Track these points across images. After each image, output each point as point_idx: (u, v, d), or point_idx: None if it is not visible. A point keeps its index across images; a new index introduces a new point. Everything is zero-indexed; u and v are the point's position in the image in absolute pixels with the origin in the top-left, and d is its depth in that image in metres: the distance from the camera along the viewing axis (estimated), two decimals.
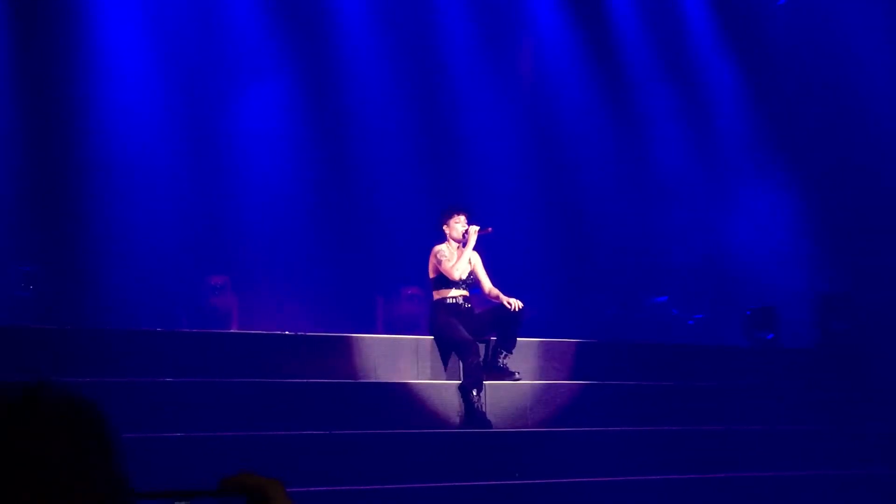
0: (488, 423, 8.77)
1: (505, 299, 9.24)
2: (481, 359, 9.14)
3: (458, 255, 9.20)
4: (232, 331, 10.57)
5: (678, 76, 14.06)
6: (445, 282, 9.24)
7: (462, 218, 9.29)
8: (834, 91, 13.06)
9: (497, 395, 9.02)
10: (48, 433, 0.81)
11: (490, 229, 9.28)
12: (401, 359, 9.23)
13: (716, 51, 14.05)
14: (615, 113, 13.96)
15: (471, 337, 9.07)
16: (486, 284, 9.43)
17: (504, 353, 9.22)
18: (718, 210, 13.95)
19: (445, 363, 9.28)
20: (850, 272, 12.40)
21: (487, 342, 9.33)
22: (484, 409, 8.81)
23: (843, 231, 12.69)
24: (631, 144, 13.99)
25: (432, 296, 9.43)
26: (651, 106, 14.05)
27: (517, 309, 9.17)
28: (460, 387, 8.92)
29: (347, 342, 9.19)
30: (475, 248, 9.35)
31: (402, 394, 8.78)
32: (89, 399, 0.85)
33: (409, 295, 11.86)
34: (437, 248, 9.31)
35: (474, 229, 9.19)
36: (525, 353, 9.55)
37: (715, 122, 14.18)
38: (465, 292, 9.32)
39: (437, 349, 9.31)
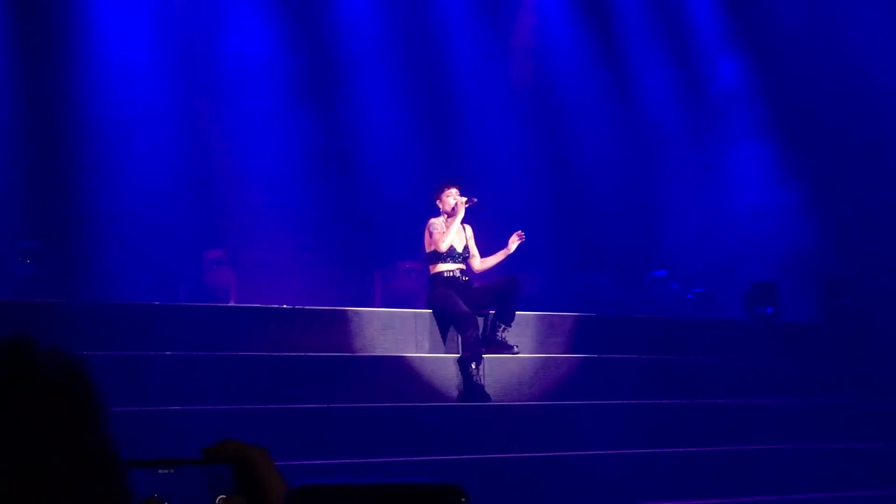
0: (487, 397, 8.78)
1: (501, 255, 9.25)
2: (480, 332, 9.13)
3: (447, 227, 9.20)
4: (230, 304, 10.55)
5: (680, 53, 14.01)
6: (440, 255, 9.23)
7: (453, 191, 9.27)
8: (840, 69, 13.01)
9: (496, 369, 9.02)
10: (27, 389, 0.78)
11: (475, 200, 9.26)
12: (399, 332, 9.22)
13: (720, 30, 14.00)
14: (616, 89, 13.91)
15: (469, 310, 9.06)
16: (476, 261, 9.41)
17: (503, 326, 9.22)
18: (718, 184, 13.92)
19: (444, 337, 9.28)
20: (853, 248, 12.38)
21: (486, 316, 9.32)
22: (483, 383, 8.81)
23: (848, 207, 12.66)
24: (631, 119, 13.94)
25: (429, 270, 9.42)
26: (651, 83, 14.00)
27: (520, 239, 9.15)
28: (459, 360, 8.92)
29: (346, 316, 9.17)
30: (467, 221, 9.34)
31: (400, 367, 8.78)
32: (73, 355, 0.83)
33: (407, 269, 11.84)
34: (431, 221, 9.31)
35: (461, 200, 9.18)
36: (524, 326, 9.55)
37: (717, 97, 14.14)
38: (462, 265, 9.31)
39: (435, 323, 9.30)
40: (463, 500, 0.83)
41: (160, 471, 0.98)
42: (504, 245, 9.39)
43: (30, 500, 0.75)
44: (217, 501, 0.97)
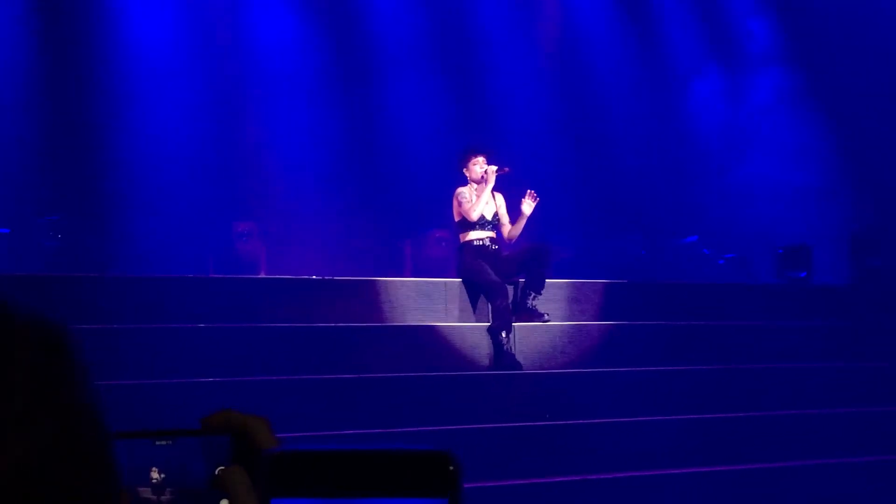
0: (518, 365, 8.77)
1: (521, 221, 9.16)
2: (510, 301, 9.11)
3: (478, 196, 9.15)
4: (260, 276, 10.58)
5: (711, 16, 13.85)
6: (469, 224, 9.20)
7: (480, 159, 9.22)
8: (869, 29, 12.81)
9: (526, 337, 9.01)
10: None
11: (507, 169, 9.21)
12: (429, 302, 9.21)
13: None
14: (645, 55, 13.79)
15: (499, 279, 9.04)
16: (506, 227, 9.37)
17: (533, 294, 9.19)
18: (750, 149, 13.79)
19: (474, 305, 9.27)
20: (883, 209, 12.24)
21: (516, 284, 9.29)
22: (513, 351, 8.80)
23: (877, 168, 12.51)
24: (662, 86, 13.82)
25: (459, 239, 9.39)
26: (681, 51, 13.87)
27: (533, 199, 9.10)
28: (489, 329, 8.91)
29: (376, 286, 9.17)
30: (498, 189, 9.30)
31: (431, 337, 8.78)
32: (54, 320, 0.80)
33: (437, 238, 11.82)
34: (459, 190, 9.26)
35: (492, 169, 9.12)
36: (554, 294, 9.51)
37: (746, 64, 13.99)
38: (492, 233, 9.27)
39: (465, 292, 9.28)
40: (451, 468, 0.80)
41: (157, 442, 0.96)
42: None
43: None
44: (216, 472, 0.95)
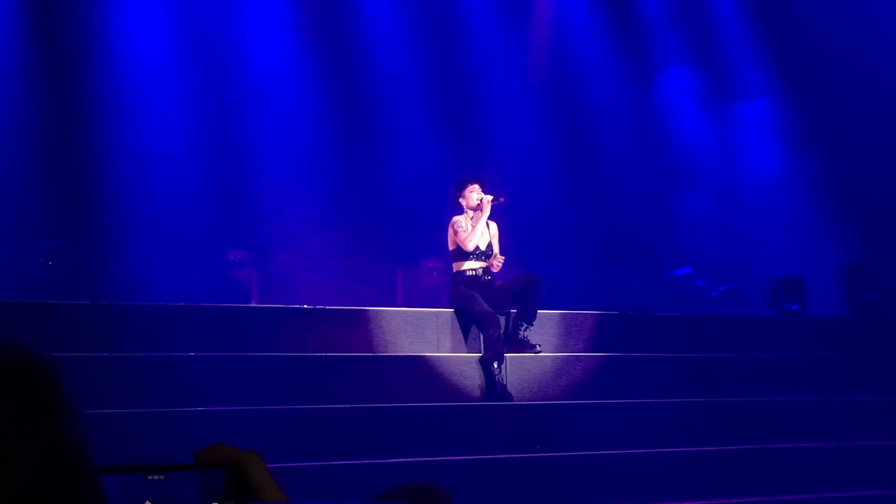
0: (509, 396, 8.74)
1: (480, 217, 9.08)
2: (502, 331, 9.09)
3: (473, 225, 9.15)
4: (251, 305, 10.55)
5: (702, 52, 13.92)
6: (464, 253, 9.19)
7: (476, 187, 9.24)
8: (859, 57, 12.88)
9: (518, 368, 8.98)
10: None
11: (503, 199, 9.22)
12: (421, 332, 9.19)
13: (739, 23, 13.90)
14: (637, 86, 13.83)
15: (491, 309, 9.02)
16: (496, 259, 9.35)
17: (525, 325, 9.17)
18: (741, 180, 13.83)
19: (466, 336, 9.24)
20: (876, 240, 12.26)
21: (508, 314, 9.28)
22: (505, 382, 8.77)
23: (869, 198, 12.53)
24: (655, 116, 13.87)
25: (452, 268, 9.38)
26: (672, 81, 13.93)
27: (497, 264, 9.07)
28: (481, 359, 8.88)
29: (367, 315, 9.15)
30: (493, 219, 9.30)
31: (422, 367, 8.75)
32: (41, 354, 0.79)
33: (428, 268, 11.81)
34: (455, 218, 9.27)
35: (488, 199, 9.14)
36: (546, 325, 9.50)
37: (736, 91, 14.04)
38: (485, 264, 9.27)
39: (457, 322, 9.26)
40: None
41: (150, 476, 0.95)
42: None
43: None
44: None
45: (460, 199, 9.30)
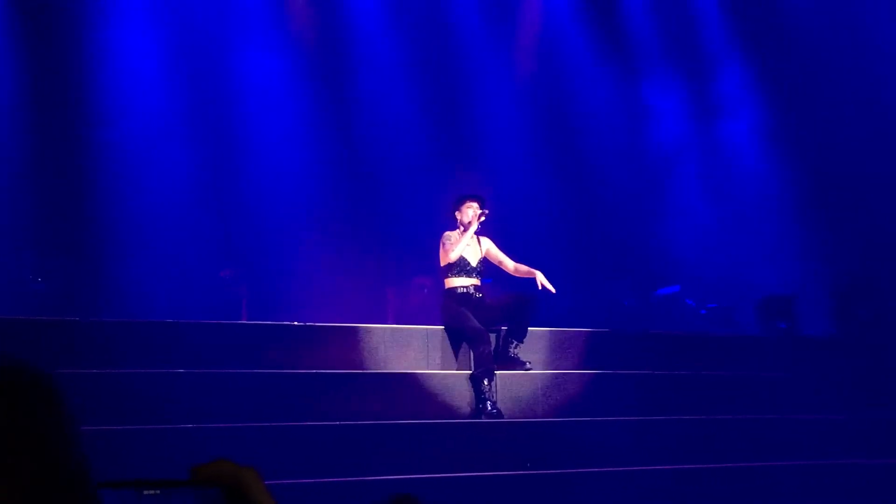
0: (499, 413, 8.73)
1: (529, 273, 9.23)
2: (492, 348, 9.10)
3: (459, 240, 9.20)
4: (242, 322, 10.53)
5: (689, 64, 13.97)
6: (454, 269, 9.21)
7: (474, 204, 9.28)
8: (849, 72, 12.95)
9: (508, 385, 8.98)
10: None
11: (486, 211, 9.25)
12: (411, 349, 9.19)
13: (726, 36, 13.95)
14: (628, 101, 13.88)
15: (482, 326, 9.03)
16: (510, 264, 9.42)
17: (515, 342, 9.18)
18: (732, 197, 13.87)
19: (456, 353, 9.24)
20: (869, 258, 12.29)
21: (498, 332, 9.28)
22: (495, 399, 8.77)
23: (861, 216, 12.58)
24: (645, 134, 13.91)
25: (443, 285, 9.39)
26: (661, 96, 13.97)
27: (541, 287, 9.16)
28: (471, 377, 8.88)
29: (357, 332, 9.14)
30: (484, 234, 9.34)
31: (412, 384, 8.74)
32: (41, 370, 0.80)
33: (419, 285, 11.81)
34: (446, 233, 9.31)
35: (476, 213, 9.19)
36: (536, 342, 9.51)
37: (726, 109, 14.09)
38: (476, 281, 9.28)
39: (447, 339, 9.26)
40: None
41: (146, 492, 0.95)
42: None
43: None
44: None
45: (456, 214, 9.34)
